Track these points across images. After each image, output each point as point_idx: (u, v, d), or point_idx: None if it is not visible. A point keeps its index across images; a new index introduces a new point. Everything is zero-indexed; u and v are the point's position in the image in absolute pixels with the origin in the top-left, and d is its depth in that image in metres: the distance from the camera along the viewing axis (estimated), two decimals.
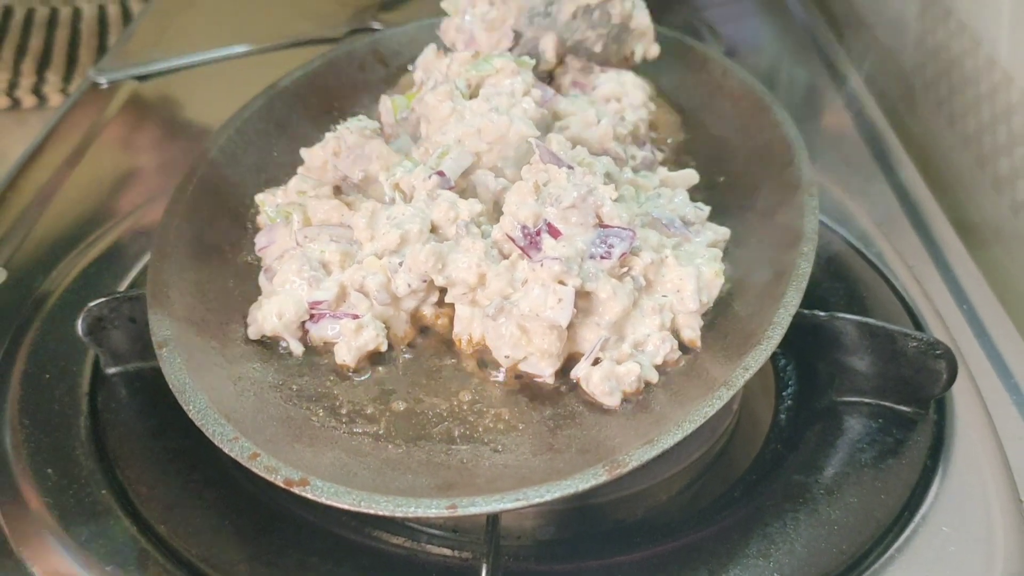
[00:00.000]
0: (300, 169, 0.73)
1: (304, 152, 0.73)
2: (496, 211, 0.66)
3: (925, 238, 0.86)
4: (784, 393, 0.73)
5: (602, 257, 0.61)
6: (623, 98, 0.80)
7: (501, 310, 0.60)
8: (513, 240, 0.62)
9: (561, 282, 0.60)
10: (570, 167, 0.65)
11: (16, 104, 1.31)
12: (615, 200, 0.63)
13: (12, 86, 1.32)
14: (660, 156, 0.74)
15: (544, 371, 0.60)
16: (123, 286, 0.79)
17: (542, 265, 0.60)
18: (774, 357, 0.75)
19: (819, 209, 0.70)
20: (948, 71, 1.09)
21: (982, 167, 1.01)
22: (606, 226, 0.62)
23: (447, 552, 0.62)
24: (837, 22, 1.36)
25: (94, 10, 1.55)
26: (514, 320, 0.60)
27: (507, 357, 0.61)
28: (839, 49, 1.19)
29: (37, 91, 1.32)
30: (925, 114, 1.15)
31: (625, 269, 0.62)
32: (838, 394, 0.69)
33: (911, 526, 0.61)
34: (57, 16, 1.54)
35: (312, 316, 0.64)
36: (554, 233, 0.62)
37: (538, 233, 0.62)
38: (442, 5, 0.86)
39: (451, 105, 0.71)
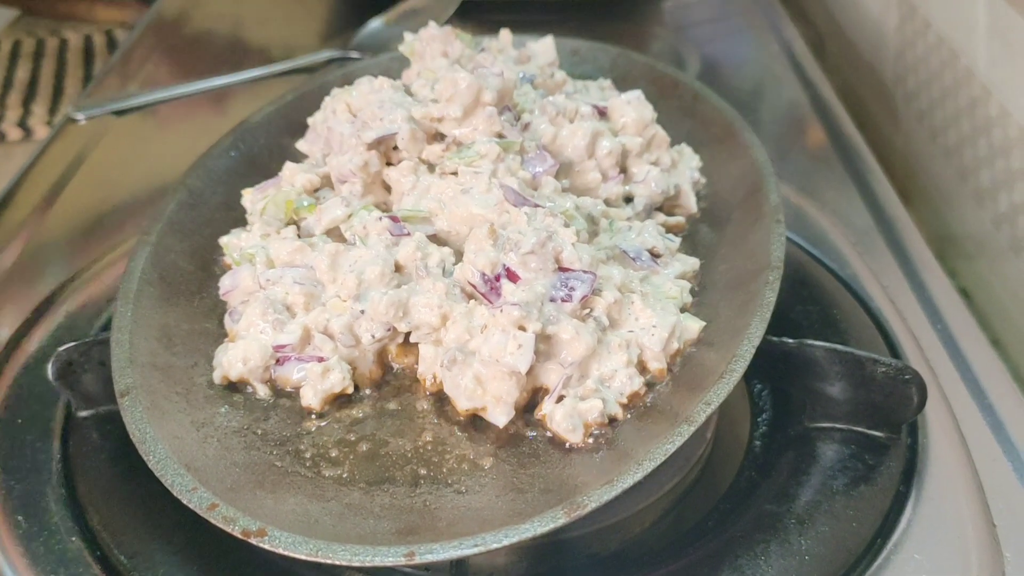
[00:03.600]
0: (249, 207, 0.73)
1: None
2: (460, 253, 0.66)
3: (900, 257, 0.86)
4: (759, 419, 0.72)
5: (563, 300, 0.61)
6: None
7: (455, 361, 0.60)
8: (474, 286, 0.62)
9: (522, 327, 0.59)
10: (535, 205, 0.65)
11: (2, 138, 1.31)
12: (575, 244, 0.63)
13: None
14: (676, 244, 0.72)
15: (498, 419, 0.60)
16: (97, 327, 0.79)
17: (502, 311, 0.60)
18: (749, 383, 0.74)
19: (794, 230, 0.70)
20: (928, 84, 1.09)
21: (964, 180, 1.01)
22: (566, 269, 0.62)
23: None
24: (818, 37, 1.36)
25: (80, 40, 1.56)
26: (469, 371, 0.60)
27: (465, 410, 0.61)
28: (818, 67, 1.19)
29: (23, 124, 1.33)
30: (907, 128, 1.15)
31: (587, 310, 0.62)
32: (811, 420, 0.69)
33: (883, 554, 0.61)
34: (44, 47, 1.55)
35: (278, 360, 0.64)
36: (513, 278, 0.62)
37: (497, 279, 0.62)
38: (400, 49, 0.87)
39: (414, 179, 0.71)
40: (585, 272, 0.62)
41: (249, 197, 0.75)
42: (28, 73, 1.48)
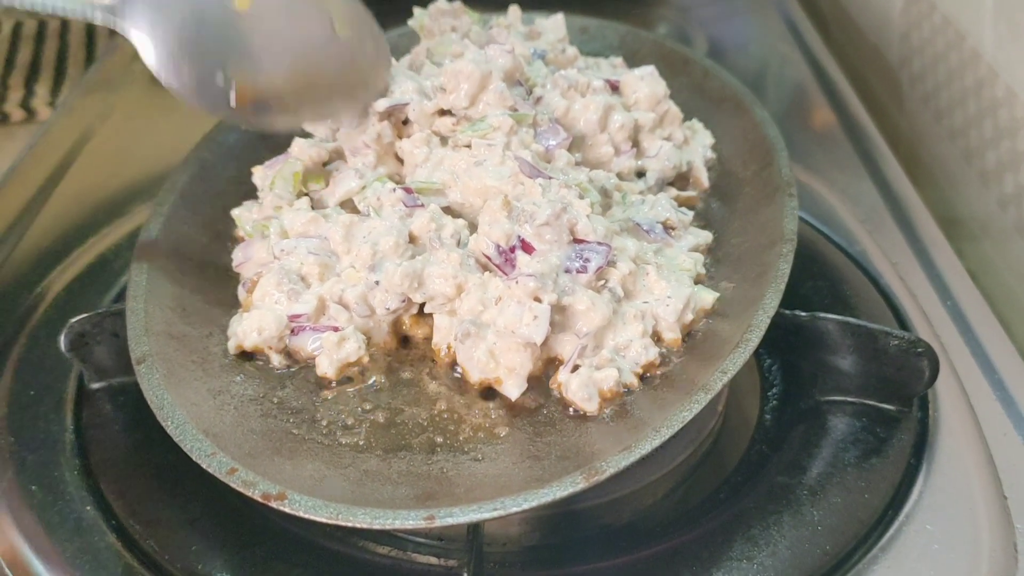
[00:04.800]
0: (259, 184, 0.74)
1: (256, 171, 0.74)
2: (474, 225, 0.66)
3: (909, 234, 0.86)
4: (769, 393, 0.73)
5: (578, 271, 0.62)
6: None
7: (468, 334, 0.60)
8: (489, 258, 0.62)
9: (537, 298, 0.59)
10: (548, 177, 0.65)
11: (5, 119, 1.31)
12: (589, 216, 0.63)
13: (1, 100, 1.32)
14: (689, 217, 0.72)
15: (511, 392, 0.60)
16: (108, 300, 0.79)
17: (517, 282, 0.60)
18: (759, 357, 0.75)
19: (802, 208, 0.70)
20: (934, 66, 1.09)
21: (969, 161, 1.01)
22: (581, 241, 0.62)
23: (433, 560, 0.62)
24: (823, 19, 1.36)
25: (82, 22, 1.55)
26: (483, 344, 0.60)
27: (478, 382, 0.61)
28: (824, 46, 1.19)
29: (25, 105, 1.32)
30: (912, 109, 1.15)
31: (602, 281, 0.62)
32: (822, 393, 0.69)
33: (895, 525, 0.61)
34: (45, 29, 1.54)
35: (293, 330, 0.64)
36: (528, 249, 0.62)
37: (512, 250, 0.62)
38: (409, 24, 0.87)
39: (427, 151, 0.71)
40: (600, 244, 0.62)
41: (260, 174, 0.75)
42: (30, 55, 1.47)
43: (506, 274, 0.62)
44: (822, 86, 1.11)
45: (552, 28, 0.87)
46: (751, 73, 1.14)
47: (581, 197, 0.64)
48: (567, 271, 0.62)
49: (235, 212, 0.72)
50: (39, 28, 1.53)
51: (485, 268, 0.63)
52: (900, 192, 0.92)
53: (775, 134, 0.76)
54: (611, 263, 0.63)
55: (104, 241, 0.86)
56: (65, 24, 1.54)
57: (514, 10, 0.90)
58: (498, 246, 0.62)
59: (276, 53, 0.64)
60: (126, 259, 0.82)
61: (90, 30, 1.52)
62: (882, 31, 1.22)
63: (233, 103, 0.63)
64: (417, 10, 0.87)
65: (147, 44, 0.61)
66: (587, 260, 0.62)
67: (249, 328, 0.63)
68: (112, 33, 1.48)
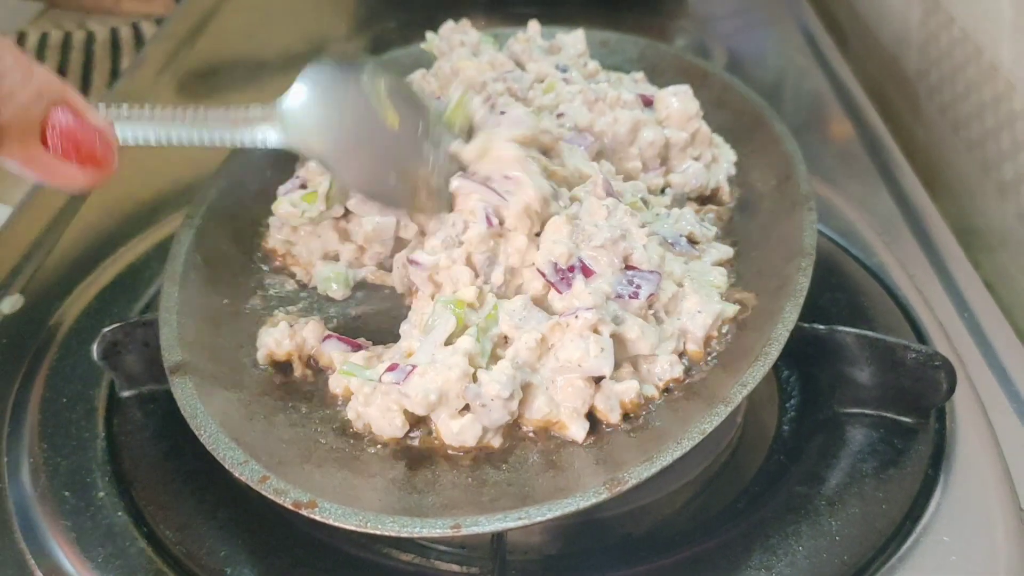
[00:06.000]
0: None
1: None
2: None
3: (926, 246, 0.87)
4: (788, 404, 0.73)
5: (630, 297, 0.62)
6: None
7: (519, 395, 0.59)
8: (544, 275, 0.62)
9: (595, 330, 0.59)
10: (617, 199, 0.66)
11: None
12: (645, 246, 0.64)
13: None
14: (713, 231, 0.73)
15: (577, 435, 0.59)
16: (137, 309, 0.81)
17: (577, 317, 0.59)
18: (778, 368, 0.75)
19: (820, 220, 0.71)
20: (952, 78, 1.09)
21: (986, 173, 1.02)
22: (632, 267, 0.63)
23: (456, 568, 0.63)
24: (841, 30, 1.37)
25: (107, 33, 1.57)
26: (539, 393, 0.60)
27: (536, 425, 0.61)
28: (842, 58, 1.20)
29: None
30: (929, 121, 1.15)
31: (652, 311, 0.63)
32: (840, 405, 0.70)
33: (912, 536, 0.62)
34: (71, 40, 1.56)
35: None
36: (587, 272, 0.62)
37: (571, 270, 0.62)
38: (422, 47, 0.89)
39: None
40: (651, 272, 0.63)
41: (283, 206, 0.74)
42: (56, 65, 1.49)
43: (560, 293, 0.62)
44: (839, 97, 1.11)
45: (573, 43, 0.89)
46: (769, 84, 1.15)
47: (642, 226, 0.65)
48: (618, 296, 0.62)
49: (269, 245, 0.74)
50: (64, 39, 1.55)
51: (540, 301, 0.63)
52: (917, 203, 0.93)
53: (794, 149, 0.76)
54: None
55: (134, 251, 0.88)
56: (90, 35, 1.56)
57: (533, 25, 0.92)
58: (555, 264, 0.62)
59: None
60: (155, 269, 0.84)
61: (115, 43, 1.54)
62: (900, 43, 1.22)
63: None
64: (429, 34, 0.90)
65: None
66: (638, 287, 0.62)
67: (278, 338, 0.65)
68: (138, 45, 1.50)
